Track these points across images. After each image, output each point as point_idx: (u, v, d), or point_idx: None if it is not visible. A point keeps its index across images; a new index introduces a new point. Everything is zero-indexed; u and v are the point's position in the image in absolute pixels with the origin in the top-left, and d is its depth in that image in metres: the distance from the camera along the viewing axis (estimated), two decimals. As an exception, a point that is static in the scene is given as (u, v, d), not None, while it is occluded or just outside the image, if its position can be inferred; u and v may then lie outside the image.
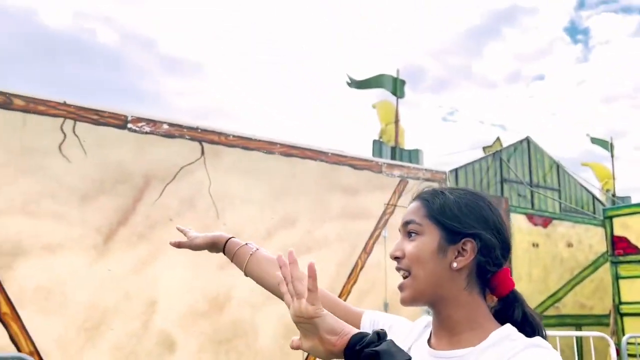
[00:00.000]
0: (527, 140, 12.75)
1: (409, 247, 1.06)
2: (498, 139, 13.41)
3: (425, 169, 6.04)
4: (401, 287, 1.06)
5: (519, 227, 8.76)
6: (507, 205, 8.80)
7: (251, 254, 1.38)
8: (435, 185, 6.06)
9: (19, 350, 3.60)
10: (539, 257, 8.89)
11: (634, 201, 12.34)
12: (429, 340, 1.10)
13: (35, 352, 3.65)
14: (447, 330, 1.06)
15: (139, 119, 4.34)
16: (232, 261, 1.42)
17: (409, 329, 1.20)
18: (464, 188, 1.15)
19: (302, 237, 4.99)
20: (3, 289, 3.65)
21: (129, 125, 4.30)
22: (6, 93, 3.83)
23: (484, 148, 13.47)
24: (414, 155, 10.30)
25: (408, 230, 1.08)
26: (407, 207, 1.14)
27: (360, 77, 11.10)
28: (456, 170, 10.42)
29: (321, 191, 5.20)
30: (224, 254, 1.43)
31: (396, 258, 1.07)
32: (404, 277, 1.06)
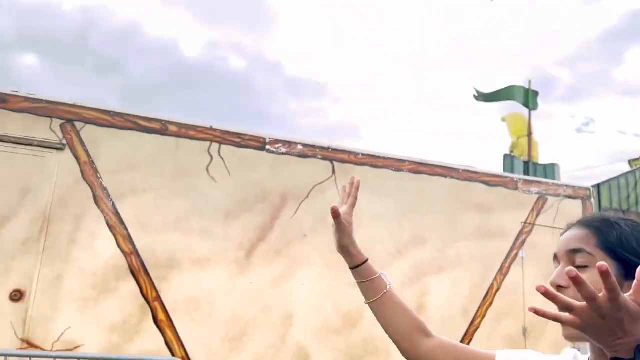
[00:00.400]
0: (684, 150, 11.43)
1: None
2: (646, 150, 12.16)
3: (567, 185, 5.64)
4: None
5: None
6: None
7: (385, 292, 1.28)
8: (578, 203, 5.66)
9: (172, 354, 3.93)
10: None
11: None
12: None
13: (187, 358, 3.96)
14: None
15: (276, 141, 4.59)
16: (358, 283, 1.31)
17: None
18: (631, 218, 1.06)
19: (433, 256, 4.90)
20: (160, 299, 4.03)
21: (267, 147, 4.56)
22: (162, 120, 4.26)
23: (630, 161, 12.29)
24: (549, 170, 9.67)
25: (575, 261, 1.00)
26: (566, 233, 1.07)
27: (487, 89, 10.74)
28: (598, 185, 9.63)
29: (452, 209, 5.08)
30: (353, 271, 1.32)
31: (559, 287, 0.98)
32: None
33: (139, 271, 4.00)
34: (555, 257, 1.06)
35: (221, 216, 4.31)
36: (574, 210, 5.56)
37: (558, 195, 5.51)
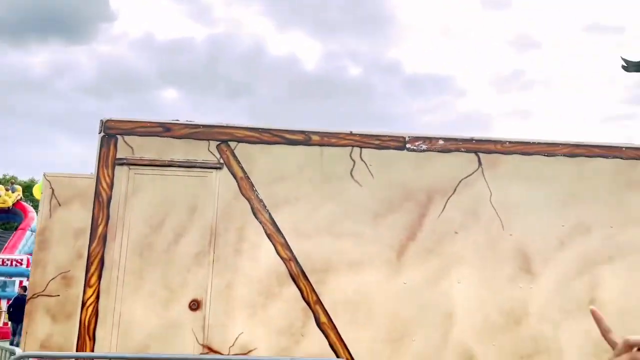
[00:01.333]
0: None
1: None
2: None
3: None
4: None
5: None
6: None
7: None
8: None
9: (337, 356, 4.04)
10: None
11: None
12: None
13: (352, 359, 4.04)
14: None
15: (416, 138, 4.54)
16: None
17: None
18: None
19: (601, 244, 4.47)
20: (320, 302, 4.17)
21: (407, 145, 4.53)
22: (305, 131, 4.44)
23: None
24: None
25: None
26: None
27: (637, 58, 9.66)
28: None
29: (618, 191, 4.61)
30: None
31: None
32: None
33: (298, 276, 4.18)
34: None
35: (369, 218, 4.36)
36: None
37: None
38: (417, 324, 4.22)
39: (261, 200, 4.25)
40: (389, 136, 4.55)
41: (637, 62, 9.91)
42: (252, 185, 4.28)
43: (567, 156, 4.64)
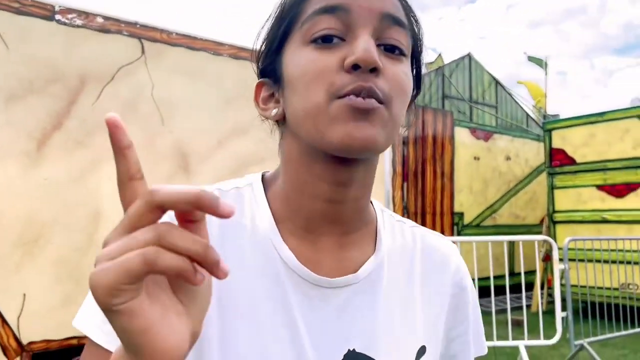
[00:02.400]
0: (469, 56, 12.79)
1: (396, 70, 0.61)
2: (440, 55, 13.34)
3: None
4: (372, 115, 0.58)
5: (462, 141, 8.90)
6: (452, 120, 8.86)
7: None
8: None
9: (-54, 267, 3.24)
10: (480, 171, 9.15)
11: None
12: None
13: (-34, 269, 3.31)
14: (341, 228, 0.68)
15: (68, 10, 3.80)
16: None
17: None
18: None
19: (255, 146, 4.73)
20: None
21: (57, 17, 3.76)
22: None
23: (426, 64, 13.42)
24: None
25: (391, 41, 0.61)
26: None
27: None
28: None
29: (273, 98, 4.91)
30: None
31: (374, 70, 0.58)
32: (373, 104, 0.58)
33: None
34: (335, 10, 0.59)
35: (1, 98, 3.51)
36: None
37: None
38: (57, 224, 3.71)
39: None
40: (32, 1, 3.68)
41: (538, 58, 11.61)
42: None
43: (232, 57, 4.65)
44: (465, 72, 12.60)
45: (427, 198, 8.45)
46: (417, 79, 0.70)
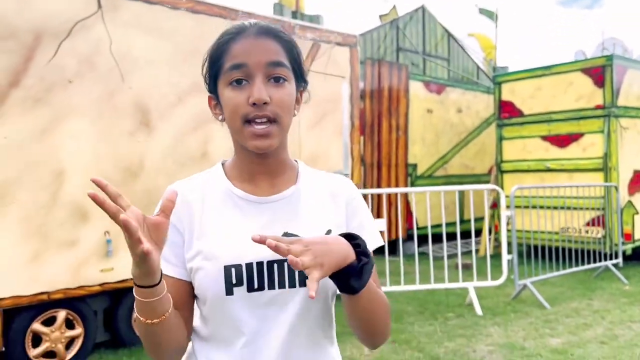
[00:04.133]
0: (423, 8, 12.86)
1: (280, 94, 1.02)
2: (394, 7, 13.34)
3: (338, 33, 5.88)
4: (267, 135, 1.02)
5: (416, 94, 9.10)
6: (407, 73, 9.02)
7: (170, 310, 0.98)
8: (347, 50, 6.00)
9: None
10: (432, 123, 9.42)
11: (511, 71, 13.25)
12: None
13: None
14: (270, 175, 1.11)
15: (18, -39, 3.66)
16: (146, 302, 0.93)
17: (183, 206, 1.07)
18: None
19: (215, 101, 4.77)
20: None
21: (7, -31, 3.62)
22: None
23: (380, 16, 13.42)
24: (314, 21, 9.98)
25: (276, 75, 1.03)
26: (253, 41, 1.03)
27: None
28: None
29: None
30: (147, 290, 0.92)
31: (265, 102, 1.01)
32: (265, 123, 1.01)
33: None
34: (240, 67, 1.02)
35: (-47, 56, 3.41)
36: (343, 56, 5.91)
37: (329, 42, 5.75)
38: (20, 183, 3.71)
39: None
40: (-21, -49, 3.53)
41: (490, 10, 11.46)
42: None
43: (190, 11, 4.60)
44: (419, 24, 12.71)
45: (383, 150, 8.69)
46: (301, 77, 1.11)
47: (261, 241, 0.88)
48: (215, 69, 1.06)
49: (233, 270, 1.02)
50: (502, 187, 7.89)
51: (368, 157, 8.59)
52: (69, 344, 4.09)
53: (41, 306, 3.91)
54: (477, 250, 7.95)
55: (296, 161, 1.18)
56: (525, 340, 4.40)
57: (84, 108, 4.00)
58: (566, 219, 6.95)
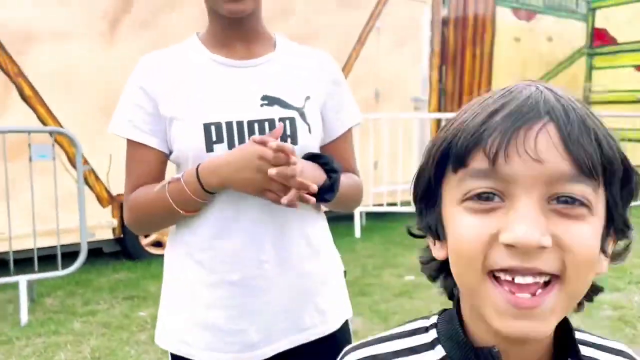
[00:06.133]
0: None
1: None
2: None
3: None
4: None
5: (503, 21, 8.85)
6: (493, 1, 8.77)
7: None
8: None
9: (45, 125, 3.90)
10: (519, 52, 9.16)
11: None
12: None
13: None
14: (246, 41, 1.11)
15: None
16: (199, 201, 1.07)
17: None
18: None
19: (299, 27, 5.07)
20: (23, 74, 3.84)
21: None
22: None
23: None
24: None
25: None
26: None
27: None
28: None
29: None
30: (205, 194, 1.06)
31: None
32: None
33: (-7, 46, 3.71)
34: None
35: (76, -16, 3.97)
36: (425, -18, 5.94)
37: (412, -34, 5.80)
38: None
39: None
40: None
41: None
42: None
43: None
44: (514, -53, 12.01)
45: (465, 80, 8.65)
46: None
47: (262, 142, 0.96)
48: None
49: (213, 127, 1.03)
50: (588, 119, 7.69)
51: (449, 86, 8.61)
52: (172, 237, 4.80)
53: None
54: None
55: (274, 34, 1.18)
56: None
57: (188, 30, 4.47)
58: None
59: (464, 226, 0.51)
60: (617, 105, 7.71)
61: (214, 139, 1.02)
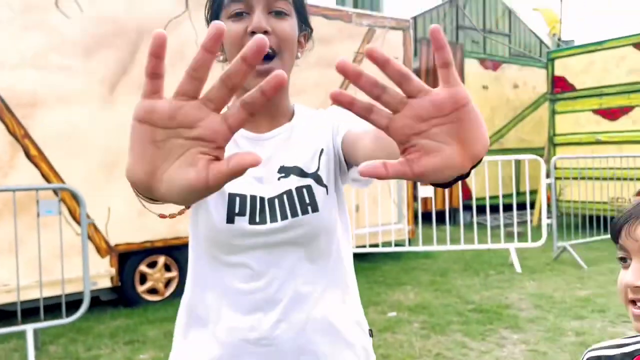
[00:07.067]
0: (483, -15, 13.02)
1: (282, 25, 1.00)
2: (454, -15, 13.54)
3: (391, 18, 6.47)
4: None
5: (471, 72, 9.48)
6: (462, 52, 9.42)
7: None
8: (400, 33, 6.57)
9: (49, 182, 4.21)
10: (488, 99, 9.78)
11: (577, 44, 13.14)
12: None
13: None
14: (269, 115, 1.10)
15: (125, -26, 4.55)
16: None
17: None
18: None
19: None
20: (29, 136, 4.16)
21: (117, -20, 4.51)
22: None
23: (440, -6, 13.67)
24: (375, 3, 10.52)
25: (277, 9, 1.00)
26: None
27: None
28: (415, 18, 10.78)
29: (297, 41, 5.63)
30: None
31: (266, 32, 0.97)
32: (266, 60, 0.98)
33: (2, 110, 4.04)
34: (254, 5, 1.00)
35: (79, 52, 4.36)
36: (397, 39, 6.49)
37: (384, 27, 6.35)
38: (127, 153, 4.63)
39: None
40: (96, -33, 4.43)
41: None
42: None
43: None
44: (479, 2, 12.90)
45: (439, 126, 9.17)
46: (304, 22, 1.09)
47: (342, 99, 0.60)
48: (217, 4, 1.03)
49: (237, 199, 1.02)
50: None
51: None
52: (167, 284, 5.05)
53: (146, 252, 4.87)
54: (531, 221, 8.36)
55: (293, 104, 1.17)
56: (555, 292, 4.93)
57: (174, 89, 4.87)
58: (616, 189, 7.24)
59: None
60: (579, 146, 8.27)
61: (237, 210, 1.01)
